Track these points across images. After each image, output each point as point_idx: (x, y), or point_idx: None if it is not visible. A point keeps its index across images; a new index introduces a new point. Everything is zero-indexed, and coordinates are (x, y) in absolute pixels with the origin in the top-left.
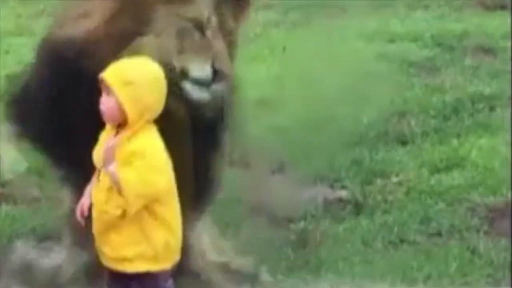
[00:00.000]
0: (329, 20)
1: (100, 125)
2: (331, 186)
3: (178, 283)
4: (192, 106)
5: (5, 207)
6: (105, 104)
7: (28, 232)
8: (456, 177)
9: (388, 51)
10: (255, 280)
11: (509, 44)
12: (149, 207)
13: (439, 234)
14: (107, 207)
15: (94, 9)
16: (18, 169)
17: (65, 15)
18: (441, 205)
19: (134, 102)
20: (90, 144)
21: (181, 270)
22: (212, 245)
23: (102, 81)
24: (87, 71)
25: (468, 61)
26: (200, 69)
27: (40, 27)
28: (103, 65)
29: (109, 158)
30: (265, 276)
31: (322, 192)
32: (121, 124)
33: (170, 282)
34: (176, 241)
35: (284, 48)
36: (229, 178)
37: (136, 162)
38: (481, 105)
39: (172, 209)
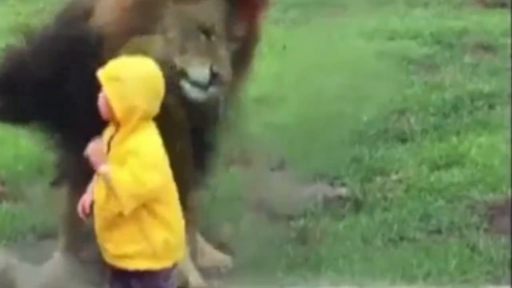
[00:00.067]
0: (328, 18)
1: (100, 120)
2: (331, 184)
3: None
4: (189, 104)
5: (5, 205)
6: (100, 99)
7: (28, 230)
8: (455, 175)
9: (388, 49)
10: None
11: (508, 42)
12: (148, 206)
13: (438, 231)
14: (107, 204)
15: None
16: None
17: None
18: (441, 202)
19: (120, 98)
20: (90, 133)
21: None
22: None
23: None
24: (94, 65)
25: (467, 58)
26: (198, 71)
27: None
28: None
29: (96, 160)
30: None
31: (322, 189)
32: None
33: (171, 281)
34: (176, 239)
35: (284, 46)
36: (229, 175)
37: (129, 161)
38: (480, 103)
39: (171, 208)
